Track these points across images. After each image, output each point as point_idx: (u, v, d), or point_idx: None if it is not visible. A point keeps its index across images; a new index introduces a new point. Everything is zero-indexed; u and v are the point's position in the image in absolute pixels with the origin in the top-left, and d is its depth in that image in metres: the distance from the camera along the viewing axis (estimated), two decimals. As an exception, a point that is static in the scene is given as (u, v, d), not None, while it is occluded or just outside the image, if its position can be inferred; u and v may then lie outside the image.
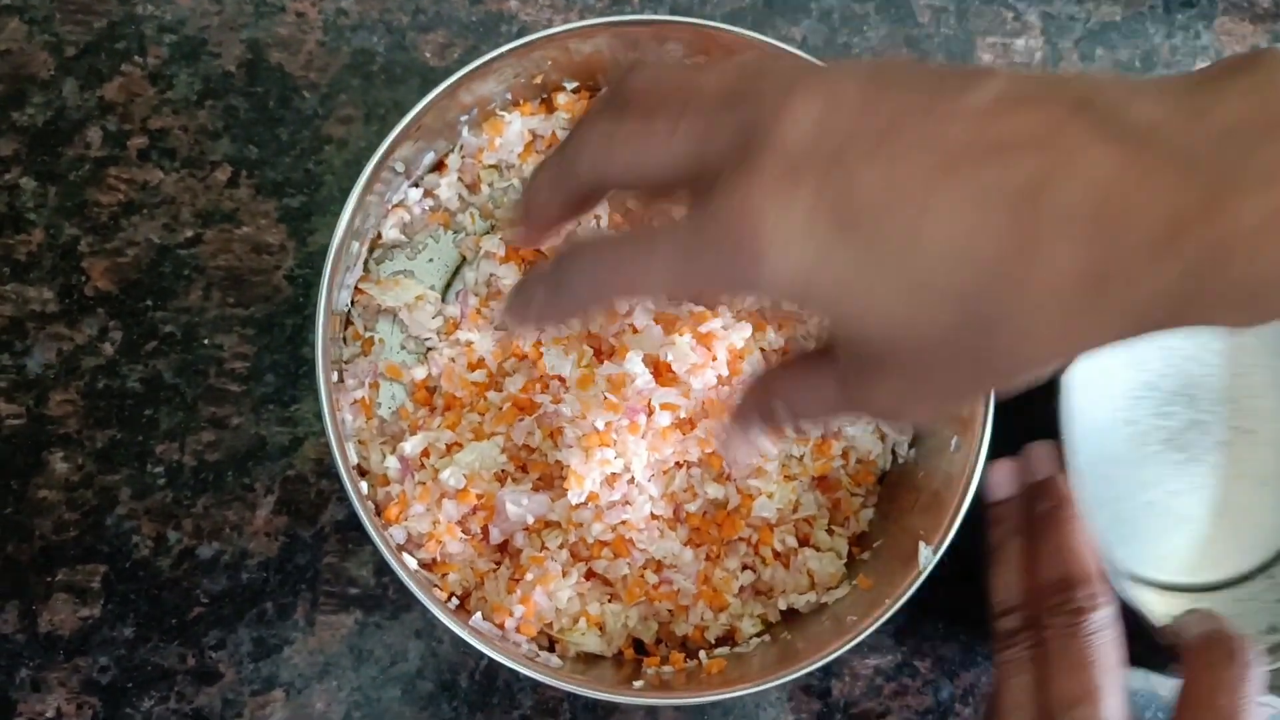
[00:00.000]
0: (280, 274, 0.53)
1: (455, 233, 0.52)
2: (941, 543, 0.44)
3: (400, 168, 0.49)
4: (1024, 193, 0.21)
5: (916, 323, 0.23)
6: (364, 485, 0.45)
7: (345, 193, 0.53)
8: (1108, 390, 0.54)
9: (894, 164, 0.22)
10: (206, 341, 0.52)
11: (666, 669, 0.46)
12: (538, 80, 0.50)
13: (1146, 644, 0.45)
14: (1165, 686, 0.54)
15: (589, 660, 0.47)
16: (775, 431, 0.31)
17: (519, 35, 0.46)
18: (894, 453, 0.51)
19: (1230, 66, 0.22)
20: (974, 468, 0.44)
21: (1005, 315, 0.22)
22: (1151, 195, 0.21)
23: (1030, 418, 0.46)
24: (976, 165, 0.21)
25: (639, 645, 0.48)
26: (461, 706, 0.51)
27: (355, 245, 0.48)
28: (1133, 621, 0.44)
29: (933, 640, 0.54)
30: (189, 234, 0.53)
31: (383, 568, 0.51)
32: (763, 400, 0.30)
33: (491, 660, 0.51)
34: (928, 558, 0.44)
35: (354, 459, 0.47)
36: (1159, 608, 0.54)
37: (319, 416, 0.52)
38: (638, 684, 0.44)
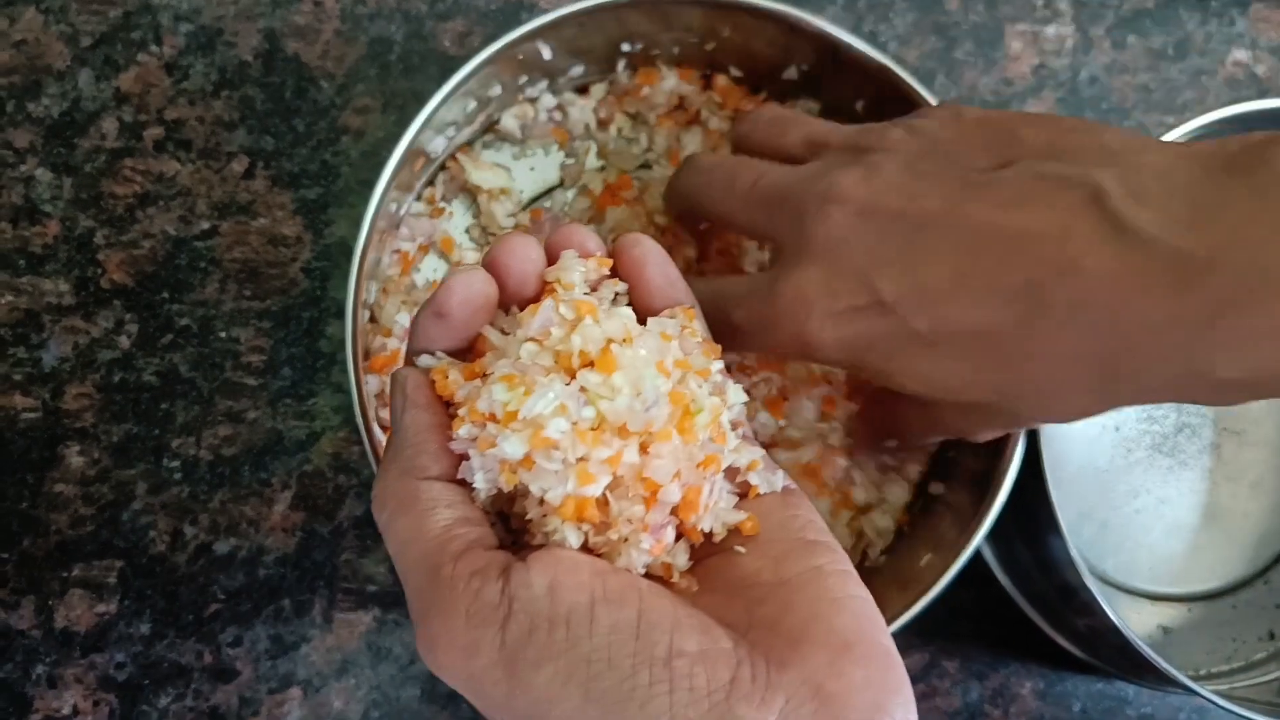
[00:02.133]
0: (297, 266, 0.52)
1: (568, 156, 0.52)
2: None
3: (548, 55, 0.47)
4: (1037, 283, 0.25)
5: (948, 388, 0.28)
6: (365, 316, 0.46)
7: (363, 184, 0.53)
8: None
9: (923, 259, 0.27)
10: (223, 335, 0.51)
11: None
12: (709, 49, 0.50)
13: (1129, 658, 0.44)
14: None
15: None
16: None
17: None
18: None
19: (1238, 163, 0.24)
20: (1004, 474, 0.43)
21: (1020, 384, 0.28)
22: (1154, 301, 0.24)
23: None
24: (997, 257, 0.25)
25: None
26: (481, 706, 0.50)
27: (472, 104, 0.48)
28: (1116, 637, 0.43)
29: (960, 640, 0.53)
30: (205, 226, 0.52)
31: (401, 564, 0.50)
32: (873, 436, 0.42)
33: (511, 659, 0.50)
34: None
35: (371, 297, 0.47)
36: (1151, 618, 0.53)
37: (336, 410, 0.51)
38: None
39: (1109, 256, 0.24)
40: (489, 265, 0.27)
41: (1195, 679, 0.49)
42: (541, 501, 0.25)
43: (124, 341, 0.51)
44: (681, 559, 0.27)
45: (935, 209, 0.27)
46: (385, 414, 0.47)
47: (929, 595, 0.42)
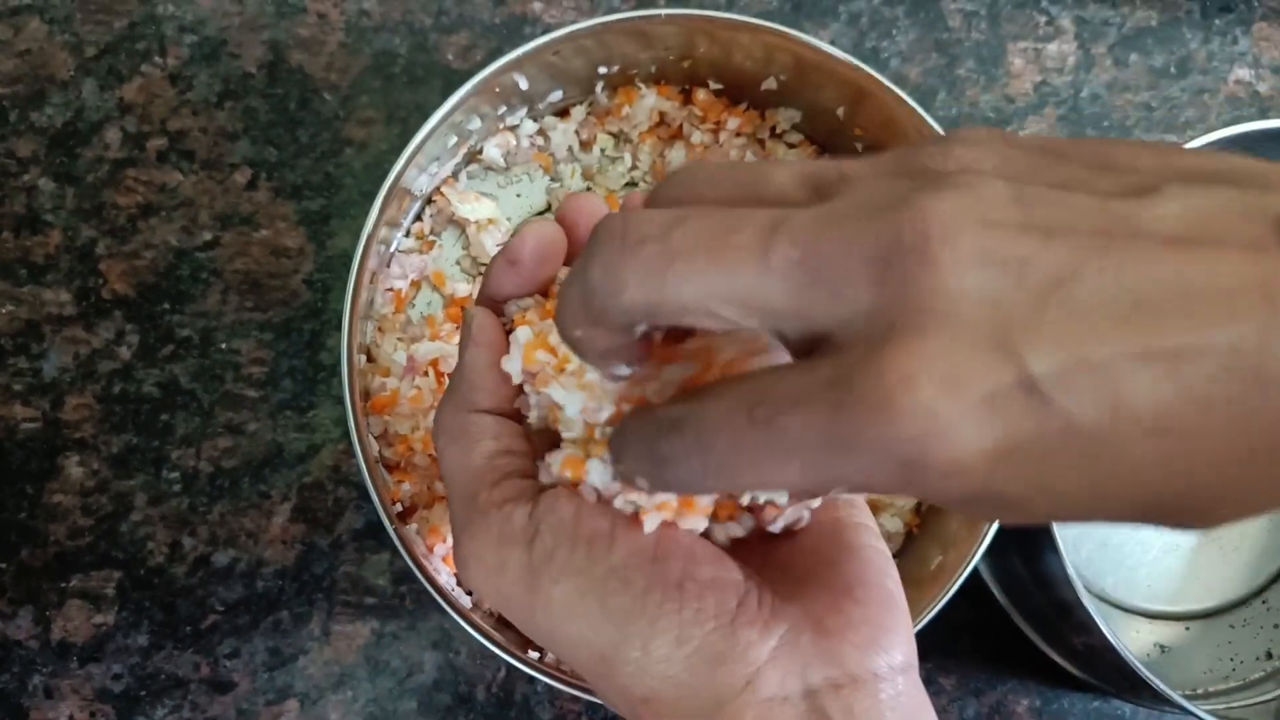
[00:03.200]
0: (299, 278, 0.52)
1: (553, 181, 0.52)
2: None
3: (524, 85, 0.48)
4: (1238, 356, 0.16)
5: (1111, 510, 0.18)
6: (363, 358, 0.46)
7: (365, 196, 0.53)
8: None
9: (1080, 318, 0.17)
10: (224, 346, 0.51)
11: None
12: (685, 65, 0.50)
13: (1126, 677, 0.44)
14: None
15: None
16: None
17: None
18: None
19: None
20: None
21: (1205, 494, 0.17)
22: None
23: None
24: (1178, 325, 0.17)
25: None
26: (478, 719, 0.50)
27: (453, 138, 0.48)
28: (1113, 655, 0.43)
29: (958, 656, 0.53)
30: (207, 237, 0.52)
31: (401, 576, 0.50)
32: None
33: (509, 673, 0.50)
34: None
35: (367, 337, 0.48)
36: (1148, 637, 0.53)
37: (337, 423, 0.51)
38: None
39: None
40: (560, 219, 0.28)
41: (1193, 698, 0.49)
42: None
43: (124, 352, 0.51)
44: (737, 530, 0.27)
45: (1083, 249, 0.17)
46: (389, 453, 0.47)
47: (949, 591, 0.42)
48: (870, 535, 0.27)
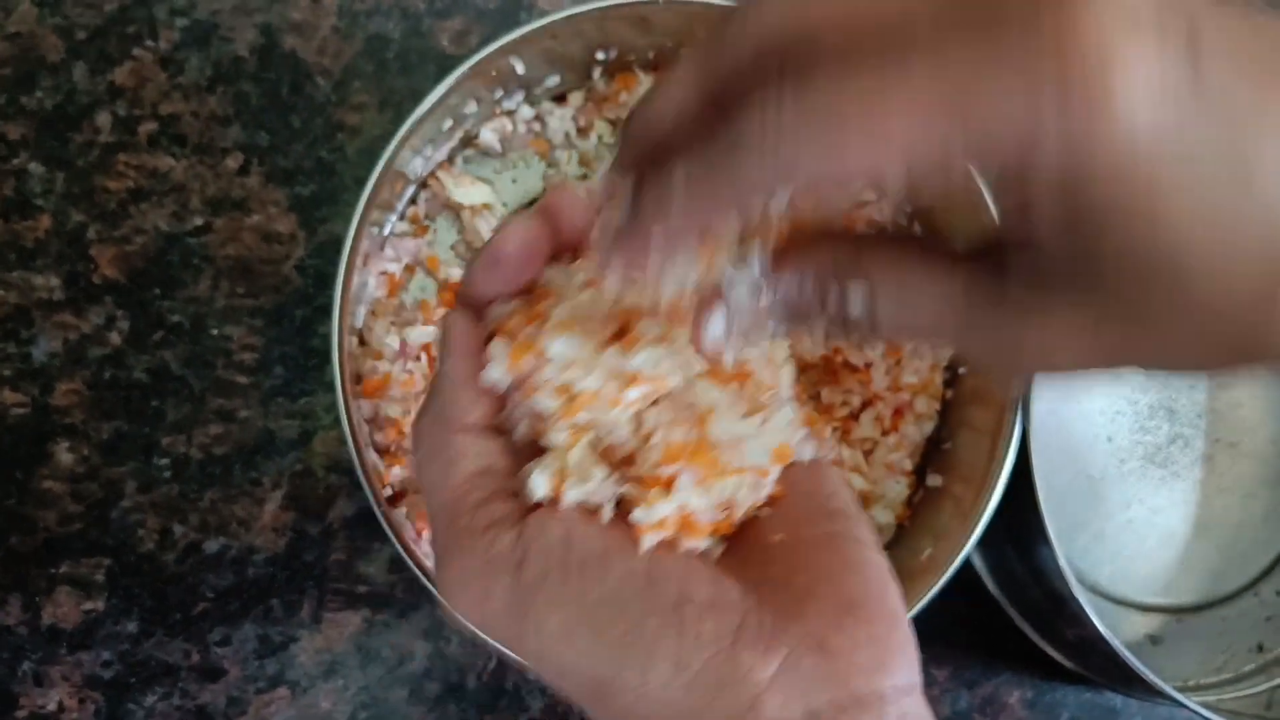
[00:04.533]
0: (290, 264, 0.52)
1: (549, 166, 0.52)
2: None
3: (521, 70, 0.48)
4: None
5: (1230, 258, 0.16)
6: (352, 344, 0.46)
7: (358, 182, 0.52)
8: (1086, 407, 0.53)
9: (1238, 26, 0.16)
10: (215, 332, 0.51)
11: None
12: (683, 52, 0.50)
13: (1119, 668, 0.44)
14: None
15: None
16: (826, 327, 0.23)
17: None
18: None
19: None
20: (1003, 459, 0.43)
21: None
22: None
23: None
24: None
25: None
26: (469, 709, 0.50)
27: (448, 121, 0.48)
28: (1105, 647, 0.43)
29: (952, 648, 0.53)
30: (198, 222, 0.52)
31: (393, 565, 0.50)
32: (835, 271, 0.21)
33: (500, 662, 0.50)
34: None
35: (359, 321, 0.48)
36: (1141, 628, 0.53)
37: (328, 410, 0.51)
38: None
39: None
40: (543, 211, 0.26)
41: (1184, 690, 0.49)
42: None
43: (115, 338, 0.51)
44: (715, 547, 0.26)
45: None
46: (380, 437, 0.47)
47: (939, 583, 0.42)
48: (869, 550, 0.26)
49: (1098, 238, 0.16)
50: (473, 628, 0.24)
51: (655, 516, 0.24)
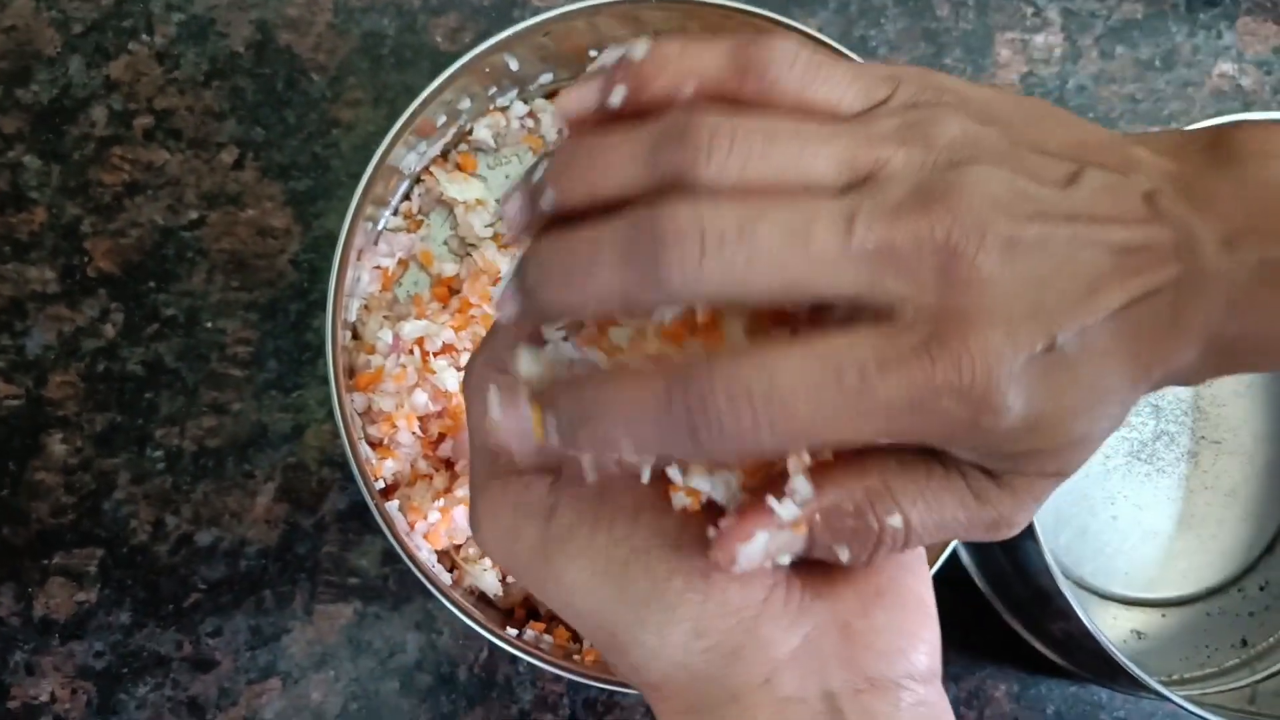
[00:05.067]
0: (285, 258, 0.52)
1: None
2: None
3: (515, 66, 0.48)
4: (1164, 301, 0.22)
5: (1096, 432, 0.23)
6: (345, 337, 0.46)
7: (352, 177, 0.53)
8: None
9: (1073, 297, 0.21)
10: (209, 325, 0.51)
11: None
12: None
13: (1104, 663, 0.44)
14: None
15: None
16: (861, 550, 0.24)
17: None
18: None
19: (1213, 158, 0.23)
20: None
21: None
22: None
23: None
24: (1120, 286, 0.22)
25: (534, 611, 0.49)
26: (460, 700, 0.50)
27: (441, 118, 0.48)
28: (1090, 642, 0.43)
29: (938, 643, 0.53)
30: (193, 216, 0.52)
31: (385, 558, 0.50)
32: (870, 503, 0.23)
33: (492, 653, 0.50)
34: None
35: (352, 315, 0.48)
36: (1125, 623, 0.53)
37: (322, 403, 0.51)
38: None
39: (1229, 267, 0.22)
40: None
41: (1168, 684, 0.50)
42: None
43: (109, 330, 0.51)
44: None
45: (1063, 232, 0.21)
46: (372, 430, 0.47)
47: (929, 573, 0.42)
48: None
49: (1026, 459, 0.23)
50: (498, 562, 0.25)
51: (690, 481, 0.23)
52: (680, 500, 0.23)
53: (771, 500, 0.22)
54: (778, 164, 0.21)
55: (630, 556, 0.23)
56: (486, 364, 0.25)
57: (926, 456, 0.23)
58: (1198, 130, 0.25)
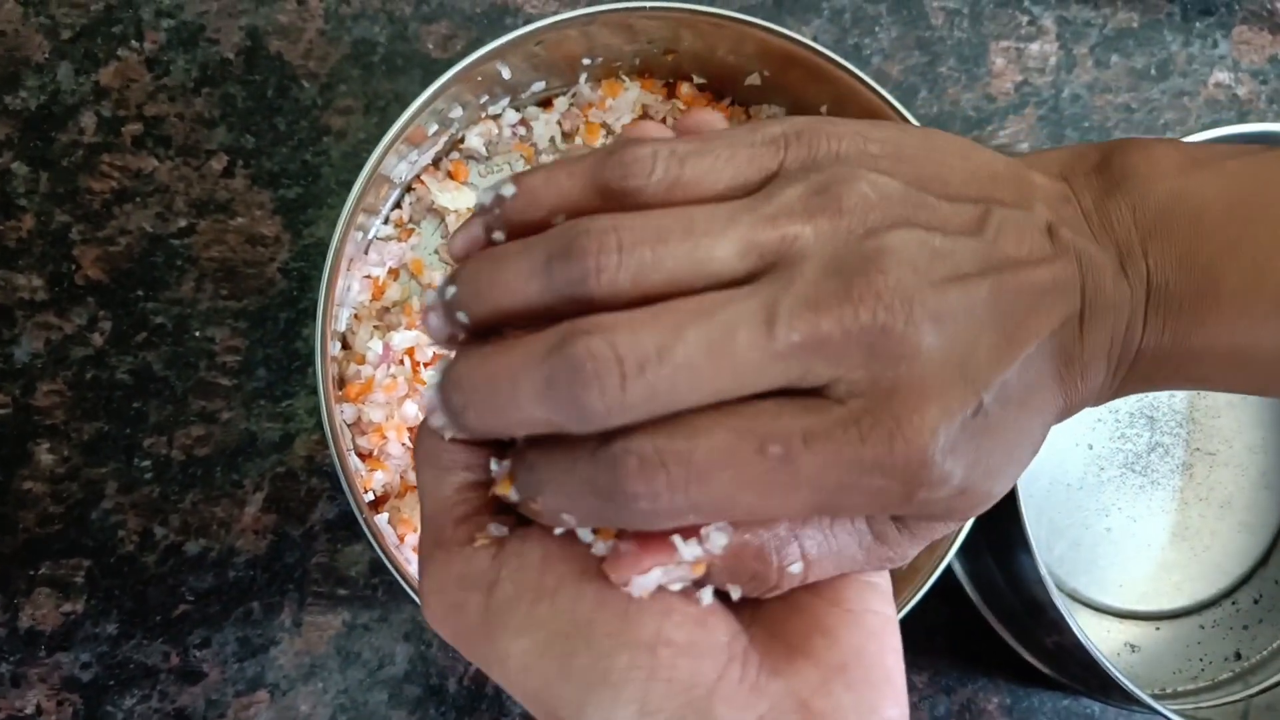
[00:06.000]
0: (275, 267, 0.52)
1: None
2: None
3: (507, 74, 0.48)
4: (1070, 332, 0.23)
5: (1005, 487, 0.23)
6: (335, 347, 0.46)
7: (343, 185, 0.53)
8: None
9: (997, 355, 0.22)
10: (198, 334, 0.51)
11: None
12: (669, 59, 0.50)
13: (1096, 675, 0.44)
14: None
15: None
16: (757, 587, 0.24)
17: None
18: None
19: (1104, 180, 0.24)
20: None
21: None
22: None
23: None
24: (1033, 326, 0.22)
25: None
26: (449, 712, 0.50)
27: (433, 126, 0.48)
28: (1083, 654, 0.43)
29: (930, 654, 0.53)
30: (182, 224, 0.52)
31: (374, 568, 0.50)
32: (775, 545, 0.23)
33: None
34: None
35: (342, 325, 0.48)
36: (1119, 636, 0.53)
37: (311, 413, 0.51)
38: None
39: (1123, 290, 0.23)
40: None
41: (1161, 698, 0.50)
42: None
43: (97, 339, 0.51)
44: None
45: (982, 289, 0.22)
46: (362, 441, 0.47)
47: (921, 590, 0.43)
48: (876, 599, 0.24)
49: (941, 516, 0.23)
50: (446, 638, 0.24)
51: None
52: (599, 549, 0.22)
53: (677, 539, 0.22)
54: (673, 265, 0.21)
55: (573, 629, 0.22)
56: (432, 431, 0.24)
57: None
58: (1087, 148, 0.26)
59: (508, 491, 0.22)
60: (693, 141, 0.22)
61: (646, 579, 0.22)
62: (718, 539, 0.22)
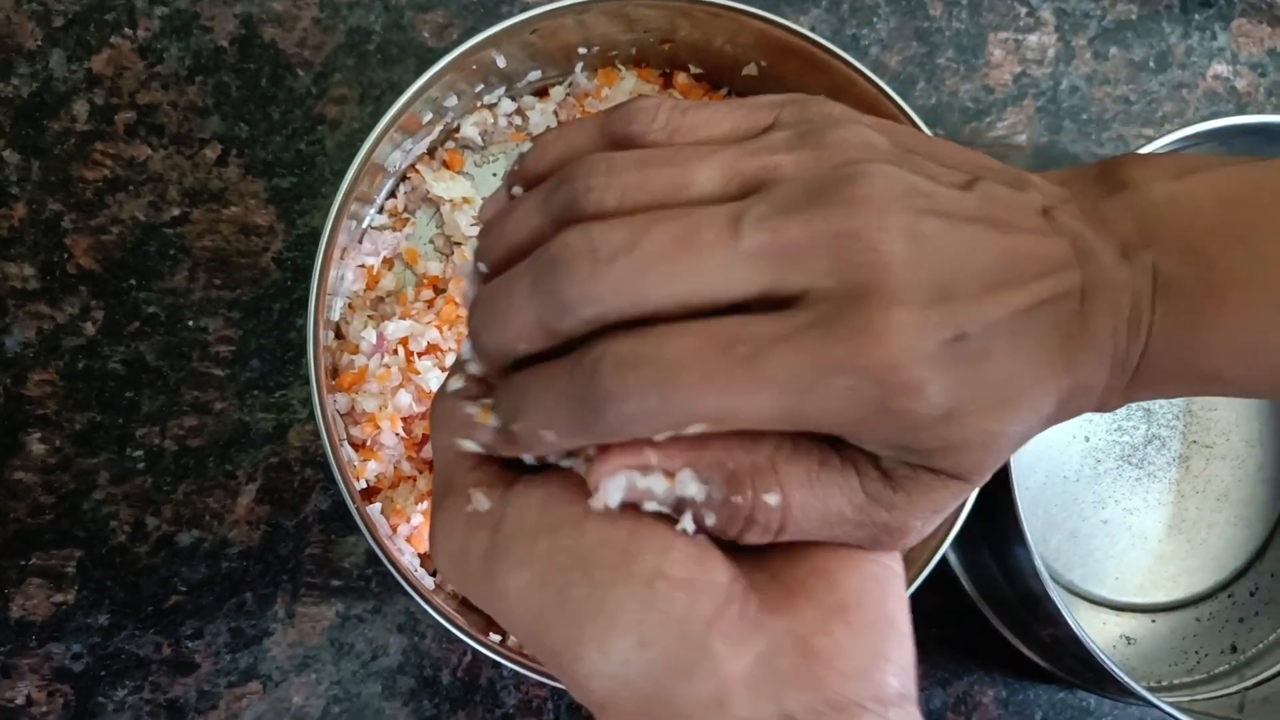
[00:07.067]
0: (268, 256, 0.52)
1: None
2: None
3: (502, 63, 0.48)
4: (1069, 308, 0.22)
5: (1011, 432, 0.22)
6: (328, 337, 0.46)
7: (337, 174, 0.52)
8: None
9: (978, 288, 0.21)
10: (191, 324, 0.51)
11: None
12: (666, 48, 0.50)
13: (1092, 668, 0.44)
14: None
15: None
16: (729, 527, 0.23)
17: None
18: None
19: (1102, 186, 0.24)
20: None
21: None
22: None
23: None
24: (1018, 272, 0.22)
25: None
26: (443, 703, 0.50)
27: (428, 115, 0.48)
28: (1078, 647, 0.43)
29: (925, 647, 0.53)
30: (175, 213, 0.51)
31: (368, 559, 0.50)
32: (751, 480, 0.23)
33: (475, 657, 0.50)
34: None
35: (336, 314, 0.48)
36: (1114, 629, 0.53)
37: (305, 403, 0.51)
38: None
39: (1121, 271, 0.23)
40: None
41: (1157, 690, 0.49)
42: None
43: (89, 328, 0.50)
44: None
45: (964, 228, 0.21)
46: (355, 431, 0.47)
47: (915, 582, 0.43)
48: (881, 552, 0.24)
49: (936, 455, 0.22)
50: (451, 584, 0.25)
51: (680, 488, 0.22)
52: (597, 502, 0.22)
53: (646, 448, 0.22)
54: (657, 185, 0.22)
55: (572, 564, 0.22)
56: (454, 395, 0.25)
57: (823, 445, 0.23)
58: (1086, 166, 0.26)
59: (487, 421, 0.23)
60: (694, 103, 0.24)
61: (613, 482, 0.22)
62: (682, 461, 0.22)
